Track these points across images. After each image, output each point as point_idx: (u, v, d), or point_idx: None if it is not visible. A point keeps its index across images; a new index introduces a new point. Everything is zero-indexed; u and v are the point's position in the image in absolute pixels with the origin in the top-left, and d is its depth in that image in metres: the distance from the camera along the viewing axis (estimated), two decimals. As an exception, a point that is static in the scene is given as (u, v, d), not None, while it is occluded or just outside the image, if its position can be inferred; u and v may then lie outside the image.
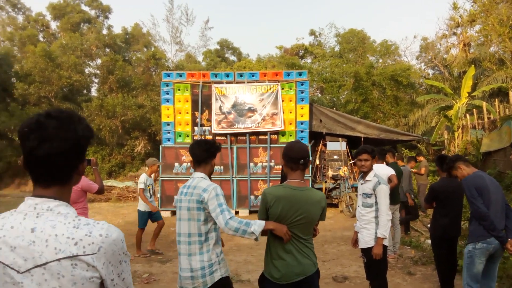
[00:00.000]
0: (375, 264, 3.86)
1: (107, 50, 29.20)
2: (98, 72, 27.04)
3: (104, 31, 31.62)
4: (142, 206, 7.03)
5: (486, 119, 14.71)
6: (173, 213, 11.06)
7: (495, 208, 3.67)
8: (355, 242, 4.27)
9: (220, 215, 2.61)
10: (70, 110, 1.32)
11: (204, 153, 2.89)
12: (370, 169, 4.05)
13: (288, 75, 11.11)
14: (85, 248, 1.14)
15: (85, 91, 27.54)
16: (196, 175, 2.86)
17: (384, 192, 3.88)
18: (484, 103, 15.00)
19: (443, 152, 15.87)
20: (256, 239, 2.63)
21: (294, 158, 2.68)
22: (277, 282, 2.60)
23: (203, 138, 3.04)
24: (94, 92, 28.41)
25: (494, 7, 6.88)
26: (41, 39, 30.55)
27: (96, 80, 27.90)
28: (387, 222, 3.85)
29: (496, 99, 15.67)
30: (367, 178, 4.01)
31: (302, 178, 2.73)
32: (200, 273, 2.68)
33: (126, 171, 22.13)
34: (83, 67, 26.83)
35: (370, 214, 3.93)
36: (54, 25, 32.18)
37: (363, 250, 3.98)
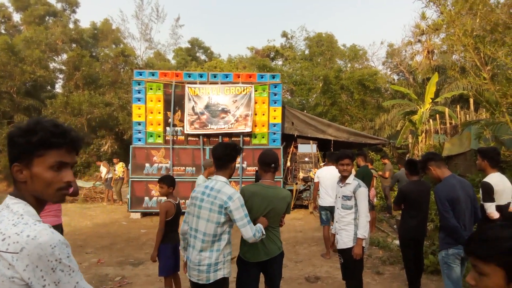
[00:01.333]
0: (353, 264, 4.00)
1: (74, 45, 28.27)
2: (63, 67, 26.16)
3: (71, 25, 30.61)
4: None
5: (448, 124, 15.41)
6: (143, 214, 10.90)
7: (465, 215, 3.77)
8: (333, 244, 4.42)
9: (247, 225, 2.92)
10: (39, 117, 1.36)
11: (226, 156, 3.09)
12: (350, 173, 4.19)
13: (262, 77, 11.21)
14: (9, 245, 1.15)
15: (49, 87, 26.56)
16: (219, 179, 3.05)
17: (364, 194, 4.03)
18: (447, 109, 15.72)
19: (407, 155, 16.48)
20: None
21: (267, 162, 3.33)
22: (249, 260, 3.27)
23: (226, 141, 3.05)
24: (58, 88, 27.48)
25: (459, 18, 7.23)
26: (3, 31, 29.19)
27: (61, 76, 26.98)
28: (366, 224, 3.99)
29: (458, 106, 16.45)
30: (347, 181, 4.13)
31: (273, 178, 3.40)
32: (206, 269, 2.94)
33: (91, 171, 21.54)
34: (48, 62, 25.86)
35: (349, 216, 4.06)
36: (17, 17, 30.83)
37: (341, 250, 4.11)
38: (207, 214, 2.94)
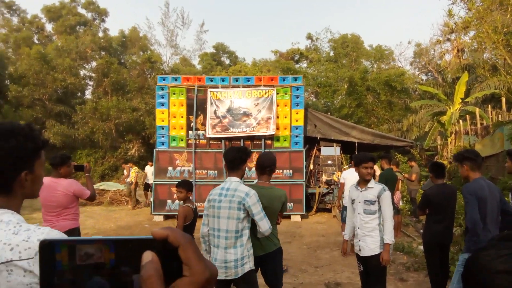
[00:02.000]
0: (380, 271, 3.87)
1: (103, 53, 29.14)
2: (93, 74, 26.97)
3: (100, 34, 31.57)
4: None
5: (479, 125, 14.82)
6: (166, 217, 11.01)
7: (491, 218, 3.72)
8: (347, 251, 4.30)
9: (264, 219, 3.16)
10: (14, 122, 1.33)
11: (237, 159, 3.30)
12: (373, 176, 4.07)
13: (284, 80, 11.14)
14: (21, 253, 1.13)
15: (79, 94, 27.46)
16: (233, 179, 3.28)
17: (388, 198, 3.93)
18: (477, 109, 15.12)
19: (436, 157, 15.96)
20: None
21: (262, 165, 3.57)
22: None
23: (236, 145, 3.23)
24: (88, 94, 28.34)
25: (488, 14, 6.94)
26: (36, 41, 30.44)
27: (91, 83, 27.82)
28: (392, 228, 3.88)
29: (489, 105, 15.79)
30: (369, 185, 3.99)
31: (268, 180, 3.61)
32: (233, 264, 3.14)
33: (119, 174, 22.04)
34: (78, 70, 26.74)
35: (374, 222, 3.91)
36: (49, 27, 32.11)
37: (365, 258, 3.96)
38: (227, 212, 3.15)
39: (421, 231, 8.72)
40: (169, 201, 10.87)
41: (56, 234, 1.21)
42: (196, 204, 5.04)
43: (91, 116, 21.98)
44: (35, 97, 22.42)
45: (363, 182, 4.08)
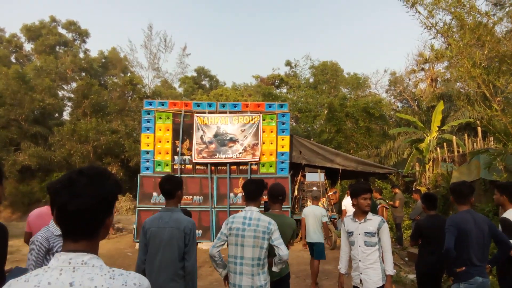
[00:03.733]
0: None
1: (83, 74, 28.81)
2: (72, 95, 26.54)
3: (81, 55, 31.28)
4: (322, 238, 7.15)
5: (456, 153, 15.32)
6: (150, 244, 10.73)
7: (476, 250, 3.82)
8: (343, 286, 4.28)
9: (283, 244, 3.36)
10: (99, 166, 1.41)
11: (255, 191, 3.57)
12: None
13: (270, 107, 11.29)
14: None
15: (56, 115, 26.88)
16: (253, 209, 3.49)
17: (387, 230, 3.99)
18: (454, 137, 15.66)
19: (414, 184, 16.32)
20: None
21: (275, 195, 3.86)
22: None
23: (254, 178, 3.47)
24: (66, 115, 27.79)
25: (468, 50, 7.32)
26: (13, 60, 29.84)
27: (70, 104, 27.33)
28: (392, 260, 3.93)
29: (465, 134, 16.40)
30: (368, 216, 3.98)
31: (280, 208, 3.95)
32: None
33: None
34: (57, 91, 26.28)
35: (375, 254, 3.91)
36: (28, 47, 31.59)
37: None
38: (252, 241, 3.33)
39: (406, 259, 8.84)
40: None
41: (145, 279, 1.29)
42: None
43: (68, 138, 21.50)
44: (11, 117, 21.79)
45: (360, 213, 4.05)
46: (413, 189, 15.00)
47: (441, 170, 14.94)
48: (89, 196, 1.25)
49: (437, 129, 16.16)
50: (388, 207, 9.78)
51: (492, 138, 13.25)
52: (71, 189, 1.24)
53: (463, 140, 15.78)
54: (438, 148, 16.17)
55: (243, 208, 3.26)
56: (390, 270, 3.86)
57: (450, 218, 3.90)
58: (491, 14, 8.15)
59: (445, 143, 16.61)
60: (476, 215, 3.97)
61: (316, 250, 6.98)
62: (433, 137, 16.06)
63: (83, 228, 1.27)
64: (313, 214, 7.10)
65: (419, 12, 7.91)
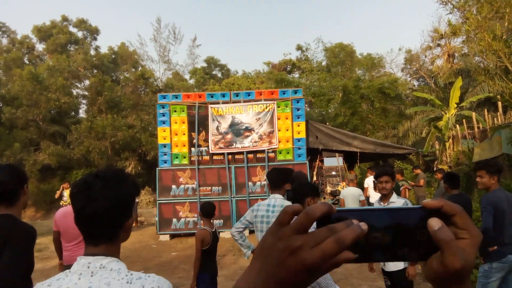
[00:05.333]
0: (405, 285, 3.84)
1: (95, 71, 29.06)
2: (86, 93, 26.84)
3: (92, 52, 31.49)
4: None
5: (476, 129, 14.96)
6: (172, 236, 10.89)
7: (508, 228, 3.79)
8: (373, 266, 4.26)
9: None
10: (116, 168, 1.42)
11: (280, 180, 3.61)
12: (391, 191, 4.02)
13: (284, 93, 11.18)
14: None
15: (73, 113, 27.26)
16: (277, 196, 3.55)
17: None
18: (473, 113, 15.28)
19: (435, 162, 16.05)
20: None
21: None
22: None
23: (279, 167, 3.67)
24: (82, 113, 28.15)
25: (487, 23, 7.05)
26: (27, 61, 30.26)
27: (85, 102, 27.66)
28: None
29: (485, 109, 15.98)
30: (391, 200, 3.94)
31: None
32: None
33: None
34: (71, 89, 26.59)
35: None
36: (40, 47, 31.96)
37: (389, 273, 3.94)
38: None
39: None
40: (174, 219, 10.75)
41: (165, 282, 1.25)
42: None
43: (86, 136, 21.80)
44: (29, 118, 22.18)
45: (384, 197, 4.06)
46: (435, 168, 14.76)
47: (462, 147, 14.64)
48: (106, 199, 1.24)
49: (456, 106, 15.78)
50: (410, 187, 9.64)
51: (513, 111, 12.88)
52: (87, 193, 1.24)
53: (482, 116, 15.39)
54: (457, 125, 15.83)
55: (263, 196, 3.34)
56: None
57: (486, 197, 3.86)
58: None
59: (464, 120, 16.23)
60: (508, 194, 3.94)
61: None
62: (452, 114, 15.70)
63: (102, 231, 1.27)
64: (351, 195, 7.81)
65: (434, -14, 7.65)
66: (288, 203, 3.44)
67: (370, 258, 0.51)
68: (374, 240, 0.49)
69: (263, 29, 71.60)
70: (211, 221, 4.48)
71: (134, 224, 13.37)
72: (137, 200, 13.71)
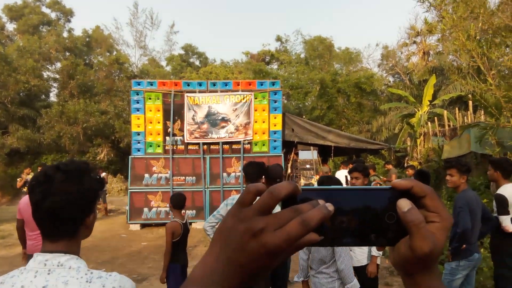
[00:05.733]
0: (368, 282, 3.90)
1: (67, 53, 28.07)
2: (57, 76, 25.94)
3: (65, 34, 30.40)
4: None
5: (446, 127, 15.38)
6: (143, 226, 10.74)
7: (476, 227, 3.92)
8: None
9: None
10: (79, 161, 1.31)
11: (255, 174, 3.62)
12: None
13: (262, 85, 11.11)
14: None
15: (43, 97, 26.32)
16: None
17: None
18: (445, 112, 15.70)
19: (406, 158, 16.44)
20: None
21: (273, 177, 3.76)
22: None
23: (255, 161, 3.71)
24: (53, 97, 27.24)
25: (462, 22, 7.19)
26: (-5, 41, 28.94)
27: (56, 85, 26.74)
28: None
29: (456, 108, 16.44)
30: None
31: None
32: None
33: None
34: (42, 71, 25.64)
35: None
36: (10, 27, 30.58)
37: (355, 268, 4.00)
38: None
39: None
40: (145, 209, 10.59)
41: (127, 281, 1.20)
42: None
43: (57, 120, 21.12)
44: (-4, 100, 21.29)
45: None
46: (405, 164, 15.11)
47: (432, 144, 15.03)
48: (66, 193, 1.17)
49: (429, 103, 16.17)
50: (381, 183, 9.82)
51: (482, 111, 13.29)
52: (46, 186, 1.18)
53: (453, 114, 15.83)
54: (429, 123, 16.23)
55: (237, 188, 3.32)
56: (376, 252, 3.88)
57: (461, 198, 3.88)
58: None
59: (436, 118, 16.67)
60: (475, 194, 4.08)
61: None
62: (424, 112, 16.09)
63: (61, 227, 1.21)
64: None
65: (412, -15, 7.72)
66: None
67: (336, 242, 0.49)
68: (341, 223, 0.47)
69: (243, 18, 71.06)
70: (182, 212, 4.41)
71: (104, 213, 13.12)
72: (106, 188, 13.40)
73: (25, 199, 4.39)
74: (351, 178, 4.19)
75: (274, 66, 33.71)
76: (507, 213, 4.09)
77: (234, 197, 3.59)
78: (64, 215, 1.18)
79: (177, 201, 4.36)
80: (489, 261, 5.00)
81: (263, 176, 3.73)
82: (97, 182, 1.27)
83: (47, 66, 27.26)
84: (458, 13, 7.51)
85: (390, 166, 11.06)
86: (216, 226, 3.64)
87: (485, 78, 7.25)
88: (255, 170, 3.67)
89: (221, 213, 3.59)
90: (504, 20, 7.52)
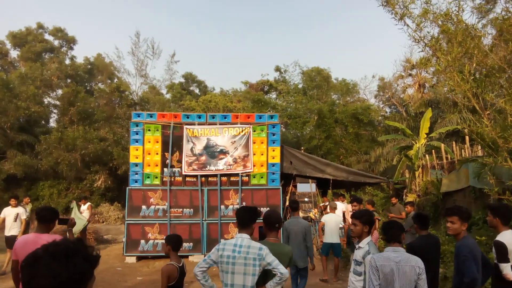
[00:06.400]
0: None
1: (69, 80, 28.37)
2: (58, 103, 26.11)
3: (67, 61, 30.83)
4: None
5: (444, 160, 15.45)
6: (139, 258, 10.57)
7: (480, 275, 3.86)
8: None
9: (280, 265, 3.36)
10: (71, 241, 1.31)
11: (247, 219, 3.59)
12: (361, 234, 3.92)
13: (260, 118, 11.23)
14: None
15: (43, 122, 26.40)
16: (244, 236, 3.50)
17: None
18: (442, 145, 15.80)
19: (404, 191, 16.41)
20: None
21: (272, 222, 3.86)
22: None
23: (248, 206, 3.88)
24: (53, 123, 27.32)
25: (456, 63, 7.36)
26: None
27: (56, 111, 26.88)
28: None
29: (453, 141, 16.56)
30: (360, 244, 3.89)
31: (277, 236, 3.96)
32: None
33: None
34: (43, 98, 25.83)
35: (359, 284, 3.81)
36: (14, 53, 31.04)
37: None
38: (243, 268, 3.34)
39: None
40: (142, 241, 10.46)
41: None
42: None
43: (55, 146, 21.10)
44: (-4, 125, 21.33)
45: (358, 240, 4.04)
46: (404, 196, 15.07)
47: (430, 177, 15.04)
48: (50, 276, 1.17)
49: (426, 136, 16.29)
50: (380, 218, 9.75)
51: (479, 146, 13.39)
52: (34, 268, 1.19)
53: (451, 147, 15.93)
54: (427, 155, 16.30)
55: (234, 220, 3.38)
56: None
57: (464, 246, 3.81)
58: (477, 28, 8.24)
59: (433, 150, 16.76)
60: (474, 241, 4.01)
61: (337, 249, 8.63)
62: (422, 144, 16.18)
63: None
64: (334, 221, 8.65)
65: (408, 25, 7.94)
66: (255, 244, 3.44)
67: None
68: None
69: (243, 49, 72.40)
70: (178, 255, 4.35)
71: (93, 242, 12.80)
72: (90, 219, 12.45)
73: (21, 240, 4.30)
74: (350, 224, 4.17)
75: (273, 95, 34.13)
76: (507, 260, 4.06)
77: (226, 242, 3.47)
78: None
79: (176, 243, 4.30)
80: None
81: (255, 222, 3.65)
82: (86, 263, 1.26)
83: (48, 92, 27.49)
84: (452, 54, 7.68)
85: (395, 200, 10.86)
86: (207, 271, 3.56)
87: (480, 117, 7.36)
88: (247, 215, 3.61)
89: (212, 258, 3.46)
90: (498, 62, 7.70)
